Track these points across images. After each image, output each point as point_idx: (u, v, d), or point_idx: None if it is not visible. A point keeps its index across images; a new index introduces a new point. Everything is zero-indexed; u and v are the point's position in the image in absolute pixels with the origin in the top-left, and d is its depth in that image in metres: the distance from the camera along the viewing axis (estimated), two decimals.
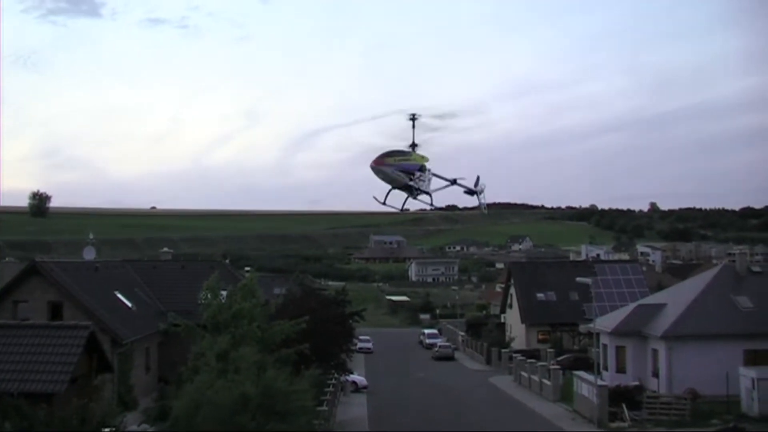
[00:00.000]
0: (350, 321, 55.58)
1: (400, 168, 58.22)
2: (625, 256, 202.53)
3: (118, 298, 54.52)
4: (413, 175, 43.82)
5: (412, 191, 54.90)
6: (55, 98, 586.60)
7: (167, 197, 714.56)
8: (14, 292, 47.88)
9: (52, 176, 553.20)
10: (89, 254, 62.21)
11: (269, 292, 61.49)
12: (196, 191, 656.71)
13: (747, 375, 46.81)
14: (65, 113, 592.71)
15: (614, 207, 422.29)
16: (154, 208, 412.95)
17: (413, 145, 26.51)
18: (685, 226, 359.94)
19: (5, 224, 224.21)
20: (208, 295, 37.96)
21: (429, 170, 50.49)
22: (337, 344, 51.29)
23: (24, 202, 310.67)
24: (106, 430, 24.09)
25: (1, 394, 27.26)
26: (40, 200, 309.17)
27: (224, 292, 38.15)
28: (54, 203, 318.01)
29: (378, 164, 37.72)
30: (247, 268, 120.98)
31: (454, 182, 56.47)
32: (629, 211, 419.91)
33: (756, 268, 62.56)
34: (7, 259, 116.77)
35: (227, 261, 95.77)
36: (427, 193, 44.37)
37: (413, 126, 28.05)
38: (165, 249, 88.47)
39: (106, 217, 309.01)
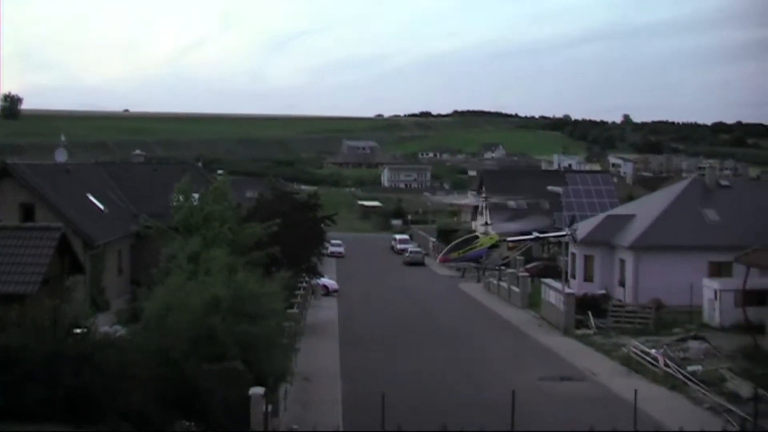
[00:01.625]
0: (321, 225, 55.86)
1: (464, 258, 69.71)
2: (597, 167, 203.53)
3: (91, 201, 54.39)
4: (481, 257, 50.36)
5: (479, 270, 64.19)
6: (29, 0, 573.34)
7: (141, 100, 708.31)
8: None
9: (26, 79, 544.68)
10: (61, 156, 61.75)
11: (241, 196, 61.60)
12: (170, 94, 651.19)
13: (710, 286, 47.62)
14: (39, 15, 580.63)
15: (588, 118, 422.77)
16: (127, 111, 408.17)
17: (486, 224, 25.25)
18: (657, 139, 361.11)
19: None
20: (180, 198, 37.99)
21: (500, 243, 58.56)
22: (308, 248, 51.62)
23: None
24: (78, 330, 24.23)
25: None
26: (11, 102, 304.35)
27: (196, 195, 38.19)
28: (27, 105, 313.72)
29: (444, 261, 39.64)
30: (219, 172, 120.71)
31: (537, 239, 66.12)
32: (602, 123, 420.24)
33: (725, 182, 63.15)
34: None
35: (200, 164, 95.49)
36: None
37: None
38: (137, 151, 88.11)
39: (78, 120, 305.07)
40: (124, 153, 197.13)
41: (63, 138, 67.67)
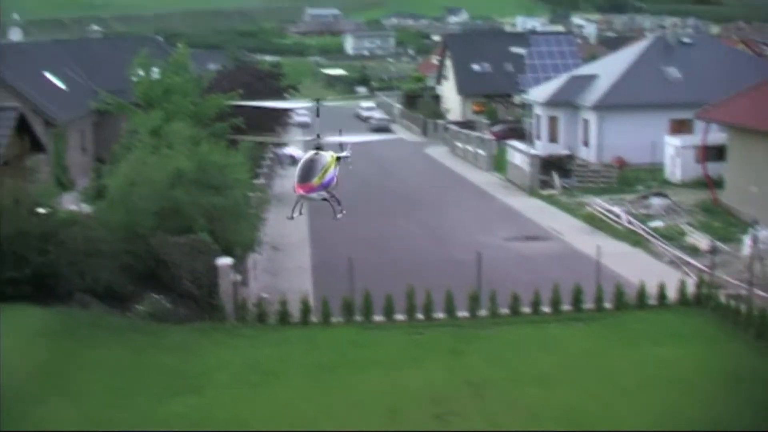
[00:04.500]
0: (285, 95, 55.43)
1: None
2: (560, 29, 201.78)
3: (49, 80, 53.18)
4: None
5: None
6: None
7: None
8: None
9: None
10: (15, 35, 60.26)
11: (203, 68, 60.65)
12: None
13: (671, 143, 48.11)
14: None
15: None
16: None
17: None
18: None
19: None
20: (140, 72, 37.46)
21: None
22: (272, 118, 51.32)
23: None
24: (42, 210, 24.19)
25: None
26: None
27: (156, 69, 37.66)
28: None
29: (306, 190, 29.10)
30: (179, 44, 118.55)
31: None
32: None
33: (687, 40, 62.92)
34: None
35: (160, 38, 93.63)
36: None
37: None
38: (94, 27, 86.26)
39: None
40: (81, 30, 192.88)
41: (15, 16, 65.91)
